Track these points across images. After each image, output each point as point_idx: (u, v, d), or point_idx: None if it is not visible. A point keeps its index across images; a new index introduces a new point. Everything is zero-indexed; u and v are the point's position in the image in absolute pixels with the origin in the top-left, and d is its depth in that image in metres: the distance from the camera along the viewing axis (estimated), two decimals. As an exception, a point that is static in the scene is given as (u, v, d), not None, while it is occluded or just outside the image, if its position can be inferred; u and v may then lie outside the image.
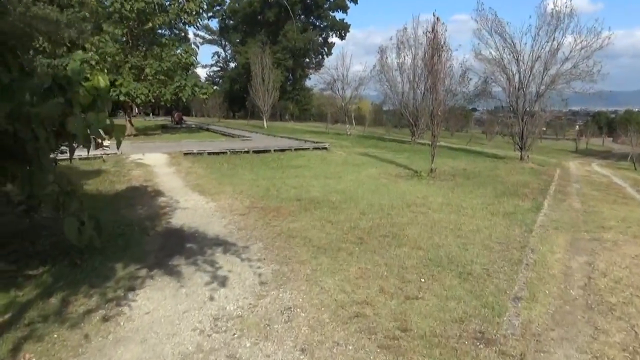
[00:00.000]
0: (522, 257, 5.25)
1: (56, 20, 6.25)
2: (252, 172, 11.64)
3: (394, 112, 49.12)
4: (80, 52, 5.40)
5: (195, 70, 66.94)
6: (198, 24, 25.83)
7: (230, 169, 12.17)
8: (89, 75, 5.67)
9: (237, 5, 71.09)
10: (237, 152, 15.79)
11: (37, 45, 19.03)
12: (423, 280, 4.40)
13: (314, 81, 72.88)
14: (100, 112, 5.44)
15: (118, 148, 5.65)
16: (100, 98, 5.71)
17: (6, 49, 3.64)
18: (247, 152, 15.99)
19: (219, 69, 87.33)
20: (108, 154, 14.21)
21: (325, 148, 17.62)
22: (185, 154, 15.05)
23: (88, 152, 5.51)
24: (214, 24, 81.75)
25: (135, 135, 25.26)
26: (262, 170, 12.07)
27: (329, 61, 62.29)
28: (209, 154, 15.35)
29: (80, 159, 13.68)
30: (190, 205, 7.68)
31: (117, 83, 22.61)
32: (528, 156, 17.03)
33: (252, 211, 7.25)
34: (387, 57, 23.44)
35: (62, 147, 5.38)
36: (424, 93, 22.10)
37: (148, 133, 27.85)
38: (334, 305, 3.76)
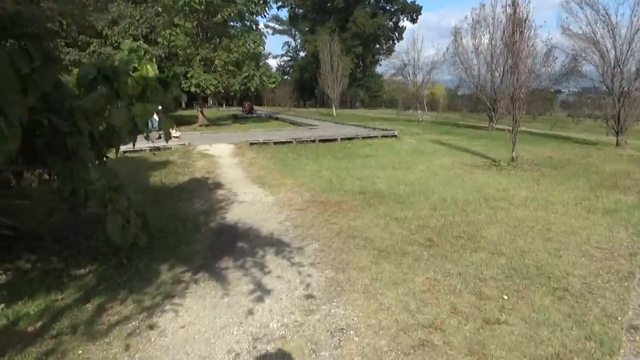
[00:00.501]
0: (632, 268, 4.27)
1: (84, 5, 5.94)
2: (315, 163, 11.16)
3: (470, 97, 46.66)
4: (128, 41, 5.13)
5: (266, 61, 67.89)
6: (266, 14, 25.67)
7: (294, 159, 11.77)
8: (137, 66, 5.37)
9: (306, -7, 70.82)
10: (302, 141, 15.40)
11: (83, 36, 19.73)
12: (506, 297, 3.61)
13: (384, 67, 71.34)
14: (148, 104, 5.13)
15: (167, 141, 5.33)
16: (150, 88, 5.41)
17: (26, 36, 3.33)
18: (313, 141, 15.55)
19: (289, 58, 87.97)
20: (177, 145, 14.46)
21: (395, 136, 16.75)
22: (251, 143, 14.91)
23: (133, 145, 5.28)
24: (283, 14, 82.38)
25: (206, 126, 25.81)
26: (327, 161, 11.54)
27: (399, 46, 60.51)
28: (275, 143, 15.10)
29: (150, 150, 14.01)
30: (248, 199, 7.32)
31: (188, 75, 23.13)
32: (625, 142, 15.05)
33: (312, 206, 6.73)
34: (462, 39, 21.87)
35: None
36: (502, 75, 20.43)
37: (219, 123, 28.37)
38: (394, 328, 3.12)
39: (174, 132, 16.76)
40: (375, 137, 16.46)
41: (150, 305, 3.60)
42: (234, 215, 6.37)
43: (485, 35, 20.94)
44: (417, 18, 67.84)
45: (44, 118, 4.08)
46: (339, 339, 3.01)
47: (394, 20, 68.89)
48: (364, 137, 16.28)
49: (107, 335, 3.14)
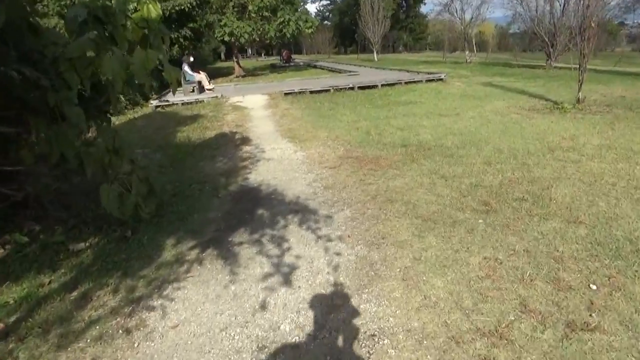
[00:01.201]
0: None
1: None
2: (353, 112, 10.20)
3: (523, 34, 43.01)
4: None
5: (304, 6, 65.29)
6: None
7: (330, 109, 10.84)
8: (137, 5, 4.53)
9: None
10: (340, 89, 14.36)
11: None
12: (594, 287, 2.73)
13: (429, 6, 67.09)
14: (150, 50, 4.32)
15: (174, 94, 4.57)
16: (152, 32, 4.60)
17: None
18: (352, 88, 14.47)
19: (328, 2, 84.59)
20: (209, 98, 13.85)
21: (441, 79, 15.35)
22: (286, 94, 14.04)
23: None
24: (322, -47, 78.22)
25: (243, 77, 25.02)
26: (365, 109, 10.54)
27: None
28: (310, 92, 14.15)
29: (182, 104, 13.51)
30: (276, 156, 6.58)
31: (221, 23, 22.15)
32: None
33: (345, 163, 5.90)
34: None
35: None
36: (563, 5, 18.22)
37: (256, 73, 27.49)
38: (443, 337, 2.34)
39: (207, 85, 16.14)
40: (420, 81, 15.13)
41: (143, 295, 2.98)
42: (257, 175, 5.66)
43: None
44: (465, -51, 62.44)
45: (12, 70, 3.40)
46: (368, 352, 2.27)
47: (440, -47, 63.74)
48: (407, 82, 15.00)
49: (82, 338, 2.55)
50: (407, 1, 64.44)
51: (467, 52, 25.83)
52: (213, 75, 27.31)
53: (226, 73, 28.57)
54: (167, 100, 13.88)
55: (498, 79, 16.09)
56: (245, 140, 7.76)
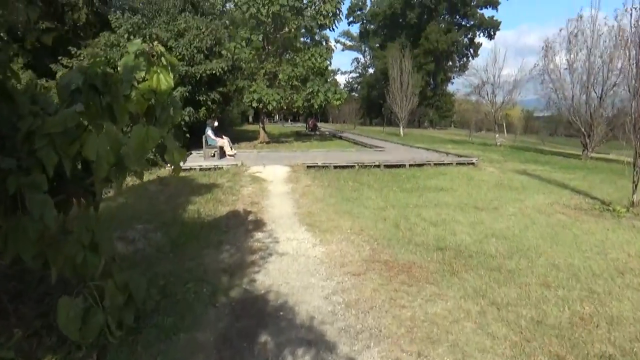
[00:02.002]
0: None
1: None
2: (379, 196, 9.38)
3: (550, 119, 42.74)
4: (138, 40, 3.62)
5: (334, 77, 67.22)
6: (335, 27, 24.43)
7: (355, 189, 10.06)
8: (145, 75, 3.87)
9: (378, 8, 69.74)
10: (366, 166, 13.69)
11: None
12: None
13: (456, 85, 68.34)
14: (151, 127, 3.58)
15: (177, 173, 3.82)
16: (159, 105, 3.91)
17: None
18: (378, 166, 13.78)
19: (357, 75, 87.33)
20: (229, 165, 13.32)
21: (472, 163, 14.58)
22: (309, 166, 13.43)
23: (114, 188, 3.87)
24: (354, 29, 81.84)
25: (267, 143, 24.84)
26: (393, 193, 9.73)
27: (475, 63, 57.48)
28: (335, 167, 13.52)
29: (201, 169, 13.00)
30: (291, 249, 5.69)
31: (251, 89, 22.28)
32: None
33: (372, 268, 4.97)
34: (554, 54, 19.26)
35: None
36: (601, 96, 17.64)
37: (281, 140, 27.38)
38: None
39: (229, 150, 15.72)
40: (450, 164, 14.39)
41: None
42: (266, 277, 4.76)
43: (583, 50, 18.23)
44: (494, 34, 64.49)
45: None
46: None
47: (469, 36, 65.95)
48: (436, 164, 14.27)
49: None
50: (435, 79, 65.70)
51: (496, 135, 25.31)
52: (238, 139, 27.31)
53: (251, 137, 28.55)
54: (186, 165, 13.37)
55: (532, 166, 15.24)
56: (259, 224, 6.93)
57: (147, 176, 12.81)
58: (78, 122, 3.09)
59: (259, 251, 5.58)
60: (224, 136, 16.15)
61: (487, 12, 64.84)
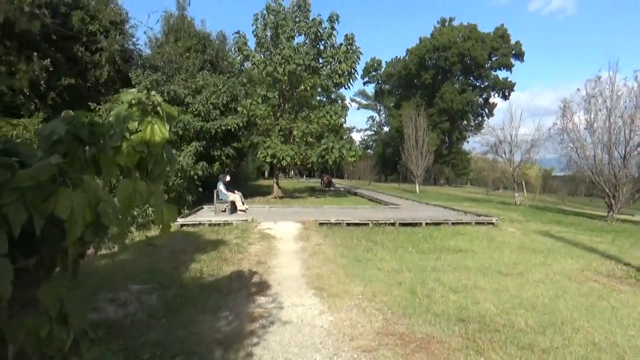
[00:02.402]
0: None
1: None
2: (394, 257, 8.82)
3: (569, 178, 41.99)
4: (133, 90, 3.31)
5: (350, 135, 68.00)
6: (350, 85, 24.72)
7: (368, 249, 9.53)
8: (138, 126, 3.53)
9: (393, 69, 71.62)
10: (380, 224, 13.18)
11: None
12: None
13: (472, 144, 68.44)
14: (139, 182, 3.21)
15: (165, 234, 3.35)
16: (153, 159, 3.54)
17: None
18: (393, 224, 13.26)
19: (372, 132, 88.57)
20: (239, 221, 12.95)
21: (492, 223, 13.95)
22: (321, 224, 12.98)
23: (94, 251, 3.44)
24: (370, 89, 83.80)
25: (280, 198, 24.59)
26: (408, 255, 9.16)
27: (492, 122, 57.70)
28: (348, 224, 13.04)
29: (210, 224, 12.65)
30: (295, 317, 5.14)
31: (265, 145, 22.33)
32: None
33: (385, 343, 4.39)
34: (572, 114, 18.97)
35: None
36: (625, 157, 17.11)
37: (295, 196, 27.10)
38: None
39: (240, 206, 15.41)
40: (468, 223, 13.78)
41: None
42: (265, 351, 4.20)
43: (602, 111, 17.92)
44: (509, 95, 65.25)
45: None
46: None
47: (483, 96, 66.81)
48: (453, 223, 13.67)
49: None
50: (450, 137, 66.02)
51: (515, 194, 24.66)
52: (253, 193, 27.15)
53: (266, 192, 28.38)
54: (195, 220, 13.06)
55: (556, 228, 14.52)
56: (263, 287, 6.41)
57: (156, 230, 12.54)
58: (53, 176, 2.75)
59: (260, 318, 5.04)
60: (236, 191, 15.90)
61: (501, 74, 66.05)
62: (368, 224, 13.14)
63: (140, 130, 3.44)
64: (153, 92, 3.68)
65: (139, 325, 4.80)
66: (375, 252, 9.20)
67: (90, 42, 20.81)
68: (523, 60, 65.65)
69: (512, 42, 64.80)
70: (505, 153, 24.54)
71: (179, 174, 16.84)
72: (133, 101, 3.49)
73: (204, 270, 7.51)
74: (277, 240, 10.44)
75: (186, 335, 4.51)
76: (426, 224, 13.45)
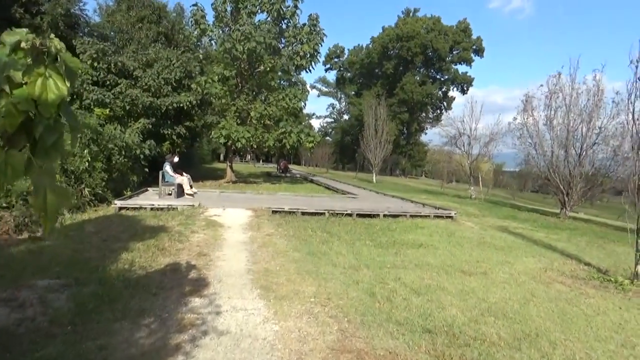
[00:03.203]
0: None
1: None
2: (351, 251, 8.13)
3: (518, 174, 43.00)
4: (23, 30, 2.26)
5: (309, 121, 67.05)
6: (312, 68, 23.75)
7: (323, 241, 8.79)
8: (24, 77, 2.50)
9: (355, 57, 71.04)
10: (337, 213, 12.50)
11: None
12: None
13: (429, 136, 69.28)
14: (12, 153, 2.23)
15: (46, 231, 2.41)
16: (44, 122, 2.55)
17: None
18: (350, 215, 12.61)
19: (332, 120, 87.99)
20: (184, 206, 11.91)
21: (451, 217, 13.56)
22: (274, 211, 12.14)
23: None
24: (331, 76, 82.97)
25: (234, 182, 23.47)
26: (367, 249, 8.50)
27: (452, 114, 58.25)
28: (302, 213, 12.27)
29: (152, 208, 11.55)
30: (234, 326, 4.29)
31: (219, 125, 21.10)
32: None
33: (341, 361, 3.66)
34: (533, 109, 18.92)
35: None
36: (580, 154, 17.21)
37: (249, 181, 26.02)
38: None
39: (188, 189, 14.30)
40: (427, 216, 13.32)
41: None
42: (191, 373, 3.36)
43: (562, 108, 17.93)
44: (467, 89, 66.29)
45: None
46: None
47: (443, 89, 67.45)
48: (412, 216, 13.18)
49: None
50: (408, 129, 66.39)
51: (471, 188, 24.69)
52: (205, 177, 25.84)
53: (219, 176, 27.14)
54: (136, 203, 11.89)
55: (513, 223, 14.36)
56: (200, 285, 5.51)
57: (92, 213, 11.35)
58: None
59: (190, 327, 4.17)
60: (184, 173, 14.76)
61: (461, 68, 66.86)
62: (324, 213, 12.43)
63: (26, 84, 2.40)
64: (52, 36, 2.61)
65: (36, 334, 3.84)
66: (331, 245, 8.47)
67: (31, 3, 18.83)
68: (483, 56, 66.68)
69: (474, 37, 65.60)
70: (464, 145, 24.45)
71: (123, 152, 15.49)
72: (21, 44, 2.44)
73: (136, 261, 6.53)
74: (224, 228, 9.52)
75: (93, 349, 3.59)
76: (384, 215, 12.88)
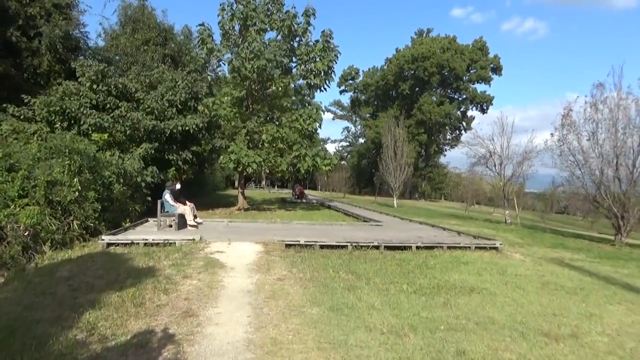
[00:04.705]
0: None
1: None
2: (386, 302, 6.23)
3: (541, 196, 40.39)
4: None
5: (324, 145, 65.59)
6: (326, 86, 22.20)
7: (349, 287, 6.89)
8: None
9: (370, 79, 69.90)
10: (361, 246, 10.63)
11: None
12: None
13: (449, 157, 67.08)
14: None
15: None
16: None
17: None
18: (377, 247, 10.73)
19: (347, 144, 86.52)
20: (183, 240, 10.22)
21: (495, 248, 11.53)
22: (288, 245, 10.33)
23: None
24: (345, 99, 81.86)
25: (245, 210, 21.79)
26: (405, 297, 6.58)
27: (481, 132, 56.09)
28: (321, 247, 10.44)
29: (146, 244, 9.90)
30: None
31: (228, 150, 19.54)
32: None
33: None
34: (572, 123, 16.92)
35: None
36: (634, 174, 15.12)
37: (262, 208, 24.30)
38: None
39: (190, 220, 12.61)
40: (467, 247, 11.32)
41: None
42: None
43: (606, 120, 15.94)
44: (487, 109, 64.22)
45: None
46: None
47: (461, 109, 65.53)
48: (449, 247, 11.21)
49: None
50: (427, 151, 64.40)
51: (506, 212, 22.52)
52: (215, 205, 24.20)
53: (231, 203, 25.51)
54: (127, 238, 10.22)
55: (567, 254, 12.23)
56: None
57: (78, 251, 9.72)
58: None
59: None
60: (187, 202, 13.10)
61: (479, 88, 65.08)
62: (346, 246, 10.59)
63: None
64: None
65: None
66: (360, 293, 6.58)
67: (29, 26, 17.74)
68: (501, 74, 64.80)
69: (491, 55, 63.97)
70: (494, 166, 22.38)
71: (121, 180, 13.95)
72: None
73: (98, 327, 4.78)
74: (226, 270, 7.72)
75: None
76: (417, 247, 10.96)
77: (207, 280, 6.92)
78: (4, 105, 15.45)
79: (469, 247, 11.33)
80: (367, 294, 6.55)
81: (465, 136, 59.07)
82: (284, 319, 5.21)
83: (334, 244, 10.64)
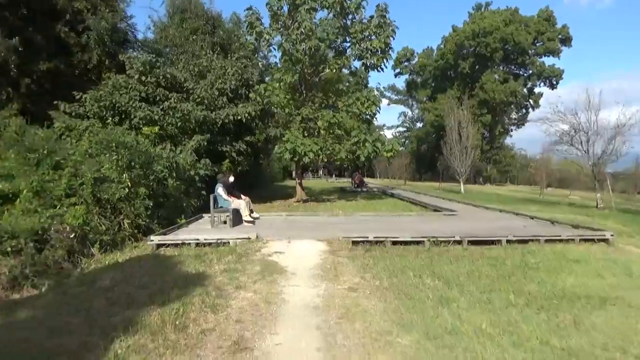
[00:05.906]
0: None
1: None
2: (497, 323, 4.69)
3: (618, 175, 36.46)
4: None
5: (380, 132, 63.80)
6: (384, 66, 20.48)
7: (441, 300, 5.42)
8: None
9: (426, 60, 66.71)
10: (441, 241, 9.08)
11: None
12: None
13: (515, 139, 62.91)
14: None
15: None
16: None
17: None
18: (459, 242, 9.15)
19: (405, 129, 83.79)
20: (239, 240, 9.14)
21: (606, 240, 9.56)
22: (355, 242, 8.98)
23: None
24: (400, 82, 78.99)
25: (304, 201, 20.67)
26: (518, 312, 5.02)
27: (562, 107, 51.80)
28: (393, 243, 9.01)
29: (197, 244, 8.93)
30: None
31: (283, 139, 18.41)
32: None
33: None
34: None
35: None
36: None
37: (321, 199, 23.10)
38: None
39: (246, 215, 11.56)
40: (570, 240, 9.45)
41: None
42: None
43: None
44: (557, 84, 59.24)
45: None
46: None
47: (528, 86, 60.92)
48: (547, 240, 9.40)
49: None
50: (491, 132, 60.63)
51: (598, 195, 19.92)
52: (273, 197, 23.31)
53: (289, 194, 24.51)
54: (177, 238, 9.29)
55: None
56: None
57: (128, 253, 8.90)
58: None
59: None
60: (242, 195, 12.08)
61: (548, 61, 60.24)
62: (423, 242, 9.07)
63: None
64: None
65: None
66: (457, 310, 5.08)
67: (77, 21, 17.44)
68: (571, 46, 59.62)
69: (558, 26, 58.92)
70: (581, 144, 19.75)
71: (174, 175, 13.15)
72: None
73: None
74: (286, 277, 6.48)
75: None
76: (507, 241, 9.24)
77: (264, 292, 5.69)
78: (56, 102, 15.14)
79: (572, 240, 9.44)
80: (467, 311, 5.04)
81: (538, 112, 54.81)
82: (367, 354, 3.84)
83: (409, 239, 9.15)
